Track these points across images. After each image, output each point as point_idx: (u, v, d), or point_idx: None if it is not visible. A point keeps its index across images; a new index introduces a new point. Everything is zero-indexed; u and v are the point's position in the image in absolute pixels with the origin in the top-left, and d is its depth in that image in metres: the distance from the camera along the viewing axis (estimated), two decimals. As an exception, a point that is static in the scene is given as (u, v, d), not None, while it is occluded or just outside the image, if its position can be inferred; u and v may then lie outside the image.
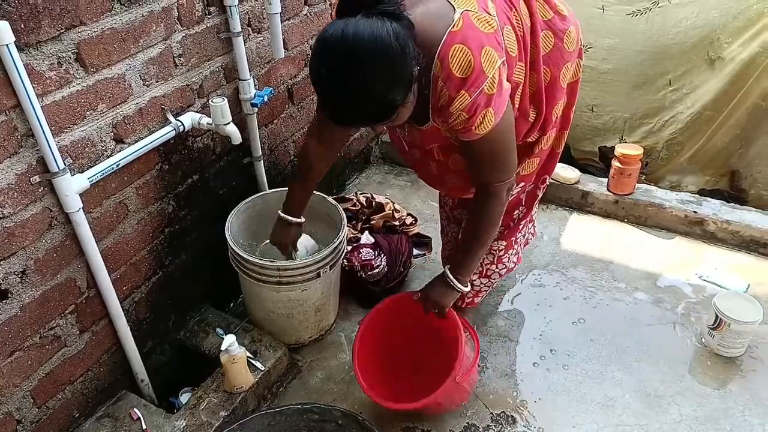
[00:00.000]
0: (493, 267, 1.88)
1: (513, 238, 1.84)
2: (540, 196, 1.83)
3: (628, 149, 2.55)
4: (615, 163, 2.58)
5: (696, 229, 2.52)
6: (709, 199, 2.59)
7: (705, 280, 2.32)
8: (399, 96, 1.21)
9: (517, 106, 1.48)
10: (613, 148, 2.67)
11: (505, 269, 1.92)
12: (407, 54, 1.17)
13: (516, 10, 1.41)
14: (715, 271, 2.36)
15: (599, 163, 2.88)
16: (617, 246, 2.51)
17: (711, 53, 2.51)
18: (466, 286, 1.60)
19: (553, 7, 1.50)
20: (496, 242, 1.81)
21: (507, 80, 1.35)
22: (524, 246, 2.00)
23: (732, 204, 2.57)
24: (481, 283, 1.93)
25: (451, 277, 1.58)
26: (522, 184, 1.71)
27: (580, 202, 2.71)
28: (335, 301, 2.14)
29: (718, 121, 2.56)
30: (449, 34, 1.24)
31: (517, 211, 1.78)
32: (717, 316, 1.98)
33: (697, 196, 2.63)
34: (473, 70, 1.24)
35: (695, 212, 2.51)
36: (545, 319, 2.19)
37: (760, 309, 1.99)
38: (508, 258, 1.87)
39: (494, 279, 1.94)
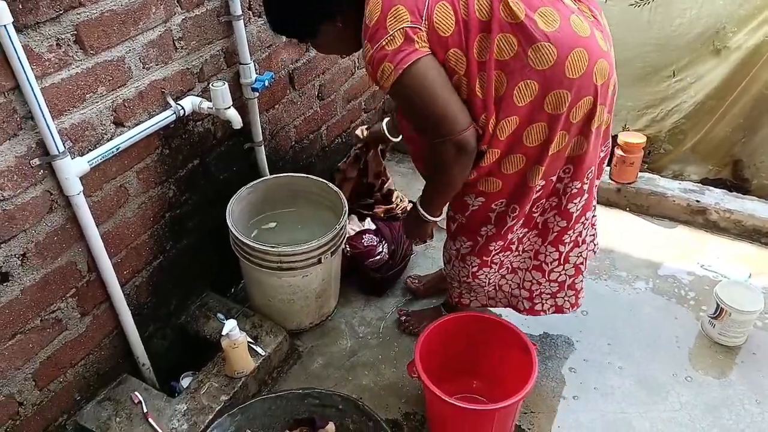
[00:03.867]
0: (469, 280, 1.79)
1: (488, 258, 1.72)
2: (511, 225, 1.64)
3: (631, 137, 2.54)
4: (618, 152, 2.57)
5: (698, 218, 2.52)
6: (711, 188, 2.58)
7: (707, 269, 2.32)
8: (302, 19, 1.44)
9: (464, 98, 1.40)
10: (615, 136, 2.65)
11: (480, 288, 1.83)
12: None
13: None
14: (716, 260, 2.36)
15: (601, 151, 2.86)
16: (619, 235, 2.50)
17: (717, 43, 2.49)
18: (436, 216, 1.64)
19: (532, 6, 1.32)
20: (470, 256, 1.73)
21: (440, 59, 1.35)
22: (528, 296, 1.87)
23: (734, 193, 2.56)
24: (461, 286, 1.86)
25: (419, 207, 1.63)
26: (481, 199, 1.60)
27: (582, 191, 2.69)
28: (336, 287, 2.14)
29: (721, 110, 2.55)
30: None
31: (484, 229, 1.66)
32: (718, 305, 1.98)
33: (699, 185, 2.62)
34: (376, 22, 1.32)
35: (698, 201, 2.50)
36: (546, 306, 2.19)
37: (761, 298, 1.99)
38: (485, 275, 1.77)
39: (475, 288, 1.85)
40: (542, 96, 1.39)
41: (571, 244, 1.73)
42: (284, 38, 1.99)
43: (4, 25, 1.17)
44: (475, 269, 1.76)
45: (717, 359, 1.99)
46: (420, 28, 1.31)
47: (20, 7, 1.22)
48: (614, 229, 2.53)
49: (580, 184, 1.60)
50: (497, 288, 1.87)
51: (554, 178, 1.58)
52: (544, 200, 1.63)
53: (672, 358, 2.00)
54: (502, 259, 1.76)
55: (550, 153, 1.47)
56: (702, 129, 2.63)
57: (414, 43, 1.31)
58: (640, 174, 2.62)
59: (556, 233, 1.70)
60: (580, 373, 1.95)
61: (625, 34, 2.59)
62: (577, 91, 1.39)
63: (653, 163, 2.80)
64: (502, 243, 1.69)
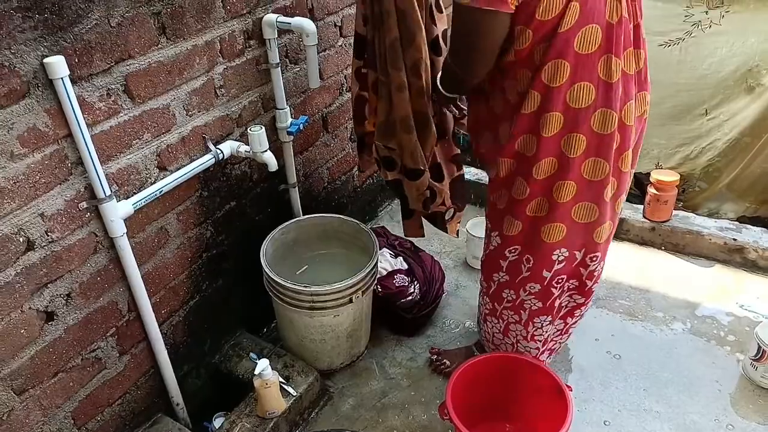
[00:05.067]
0: (489, 318, 1.85)
1: (497, 304, 1.78)
2: (526, 275, 1.65)
3: (664, 176, 2.52)
4: (651, 190, 2.55)
5: (736, 257, 2.46)
6: (749, 226, 2.53)
7: (746, 310, 2.26)
8: None
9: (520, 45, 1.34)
10: (648, 174, 2.64)
11: (499, 332, 1.85)
12: None
13: None
14: (756, 300, 2.30)
15: (634, 189, 2.84)
16: (654, 274, 2.46)
17: (750, 80, 2.47)
18: (451, 94, 1.66)
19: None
20: (482, 296, 1.84)
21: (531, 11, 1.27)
22: (549, 348, 1.89)
23: (773, 232, 2.50)
24: (486, 325, 1.89)
25: (438, 84, 1.66)
26: (498, 239, 1.65)
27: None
28: (367, 327, 2.14)
29: (757, 146, 2.52)
30: None
31: (497, 276, 1.71)
32: (759, 347, 1.92)
33: (736, 223, 2.57)
34: None
35: (735, 240, 2.45)
36: (580, 348, 2.15)
37: (806, 341, 1.92)
38: (493, 325, 1.84)
39: (496, 331, 1.87)
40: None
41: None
42: (318, 84, 2.05)
43: (61, 78, 1.24)
44: (486, 312, 1.84)
45: (760, 404, 1.92)
46: None
47: (76, 60, 1.30)
48: (649, 268, 2.49)
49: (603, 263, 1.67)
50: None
51: (578, 255, 1.60)
52: (565, 278, 1.66)
53: (713, 402, 1.93)
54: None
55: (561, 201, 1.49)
56: (737, 166, 2.59)
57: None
58: (674, 212, 2.59)
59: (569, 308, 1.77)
60: (617, 418, 1.90)
61: (656, 74, 2.57)
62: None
63: (688, 201, 2.77)
64: (515, 294, 1.71)
